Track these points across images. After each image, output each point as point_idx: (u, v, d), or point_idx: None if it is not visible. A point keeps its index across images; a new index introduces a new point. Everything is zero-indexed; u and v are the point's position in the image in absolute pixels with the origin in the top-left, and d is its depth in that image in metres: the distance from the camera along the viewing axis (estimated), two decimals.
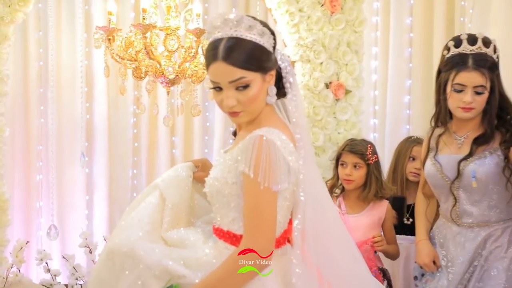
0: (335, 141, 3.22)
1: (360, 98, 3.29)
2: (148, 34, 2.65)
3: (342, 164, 2.71)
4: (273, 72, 1.66)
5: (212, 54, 1.61)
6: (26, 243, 2.38)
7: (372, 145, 2.73)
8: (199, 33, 2.64)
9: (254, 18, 1.64)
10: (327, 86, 3.21)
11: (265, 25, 1.64)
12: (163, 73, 2.77)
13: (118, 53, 2.76)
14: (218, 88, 1.63)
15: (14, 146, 3.53)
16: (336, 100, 3.23)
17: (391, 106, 3.63)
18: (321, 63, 3.18)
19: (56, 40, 3.58)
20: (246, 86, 1.60)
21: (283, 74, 1.69)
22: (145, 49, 2.66)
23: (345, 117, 3.23)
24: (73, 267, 2.30)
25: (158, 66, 2.76)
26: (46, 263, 2.37)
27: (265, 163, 1.55)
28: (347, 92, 3.24)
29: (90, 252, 2.34)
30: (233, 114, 1.64)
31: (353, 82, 3.25)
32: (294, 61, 3.22)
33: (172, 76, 2.66)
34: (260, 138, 1.56)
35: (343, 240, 1.81)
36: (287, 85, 1.69)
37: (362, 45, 3.28)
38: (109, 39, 2.74)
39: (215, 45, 1.61)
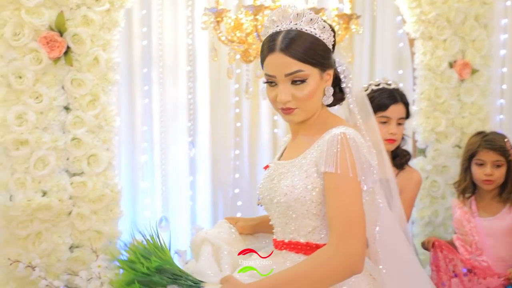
0: (458, 126, 2.93)
1: (489, 78, 2.96)
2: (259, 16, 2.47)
3: (479, 164, 2.44)
4: (331, 72, 1.58)
5: (269, 46, 1.55)
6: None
7: (507, 138, 2.43)
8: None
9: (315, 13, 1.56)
10: (451, 65, 2.91)
11: (325, 21, 1.57)
12: None
13: (226, 35, 2.61)
14: (272, 83, 1.54)
15: (119, 127, 3.52)
16: (461, 80, 2.92)
17: None
18: (445, 40, 2.87)
19: (160, 19, 3.49)
20: (303, 81, 1.52)
21: (342, 78, 1.61)
22: (256, 31, 2.49)
23: (470, 100, 2.92)
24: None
25: None
26: None
27: (353, 160, 1.45)
28: (474, 71, 2.92)
29: None
30: (287, 110, 1.55)
31: (480, 60, 2.92)
32: (414, 39, 2.92)
33: None
34: (343, 136, 1.48)
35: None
36: (346, 89, 1.62)
37: (492, 18, 2.95)
38: (218, 21, 2.59)
39: (273, 38, 1.54)
